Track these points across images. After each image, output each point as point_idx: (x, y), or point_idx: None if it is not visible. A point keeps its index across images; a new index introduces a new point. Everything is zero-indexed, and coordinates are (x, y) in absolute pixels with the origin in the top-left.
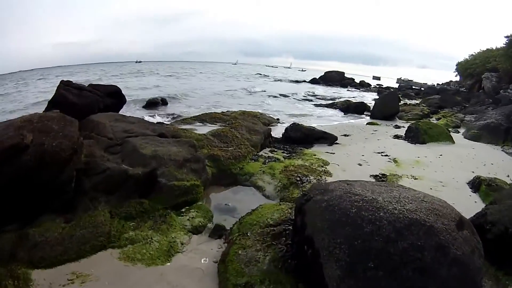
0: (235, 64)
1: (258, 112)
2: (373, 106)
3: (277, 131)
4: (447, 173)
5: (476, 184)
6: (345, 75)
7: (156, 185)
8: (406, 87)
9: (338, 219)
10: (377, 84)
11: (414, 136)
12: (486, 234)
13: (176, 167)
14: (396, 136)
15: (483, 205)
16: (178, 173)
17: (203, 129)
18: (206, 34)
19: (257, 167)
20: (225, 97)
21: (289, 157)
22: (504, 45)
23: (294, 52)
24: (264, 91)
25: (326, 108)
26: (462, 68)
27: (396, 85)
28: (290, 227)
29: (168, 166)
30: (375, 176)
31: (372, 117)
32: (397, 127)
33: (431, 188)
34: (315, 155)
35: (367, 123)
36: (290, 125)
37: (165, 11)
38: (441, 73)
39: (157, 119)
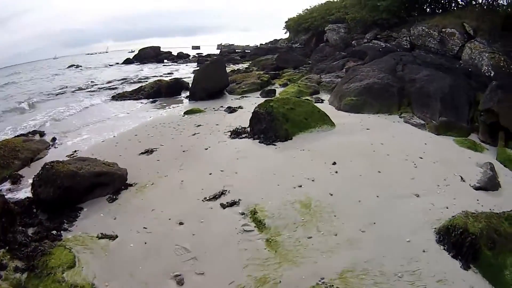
0: (56, 58)
1: (20, 139)
2: (192, 82)
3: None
4: (388, 228)
5: (467, 248)
6: (162, 49)
7: None
8: (229, 52)
9: None
10: (196, 53)
11: (269, 129)
12: None
13: None
14: (236, 133)
15: None
16: None
17: None
18: (29, 32)
19: None
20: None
21: None
22: None
23: (115, 34)
24: (65, 87)
25: (129, 98)
26: (295, 24)
27: (218, 51)
28: None
29: None
30: None
31: (192, 98)
32: (231, 110)
33: None
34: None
35: (185, 112)
36: (39, 173)
37: None
38: (266, 33)
39: None
